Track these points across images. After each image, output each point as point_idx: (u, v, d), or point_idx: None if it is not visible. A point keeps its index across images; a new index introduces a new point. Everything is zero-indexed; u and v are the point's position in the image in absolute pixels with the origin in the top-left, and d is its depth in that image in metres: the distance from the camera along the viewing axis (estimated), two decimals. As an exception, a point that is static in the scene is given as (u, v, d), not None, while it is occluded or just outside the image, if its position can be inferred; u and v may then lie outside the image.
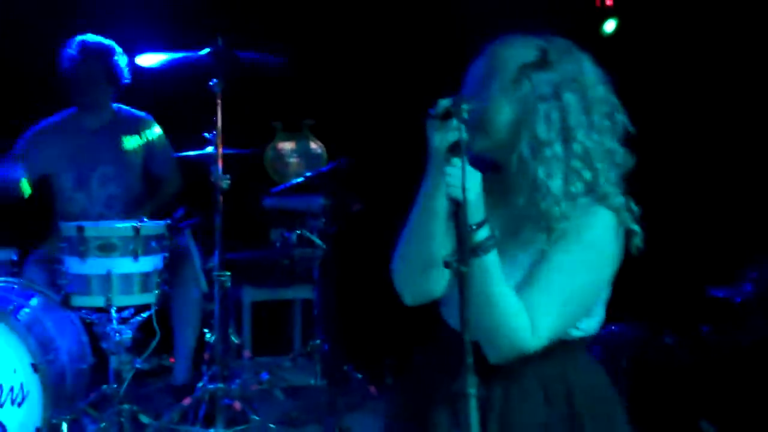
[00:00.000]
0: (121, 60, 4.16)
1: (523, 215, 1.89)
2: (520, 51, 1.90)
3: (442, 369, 1.91)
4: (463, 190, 1.71)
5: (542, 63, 1.88)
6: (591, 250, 1.85)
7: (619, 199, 1.89)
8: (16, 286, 3.62)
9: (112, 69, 4.15)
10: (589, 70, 1.92)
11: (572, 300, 1.84)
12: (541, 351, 1.82)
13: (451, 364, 1.72)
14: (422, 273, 1.93)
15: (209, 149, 3.79)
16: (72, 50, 4.11)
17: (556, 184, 1.83)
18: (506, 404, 1.87)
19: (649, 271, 4.54)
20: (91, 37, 4.13)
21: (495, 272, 1.79)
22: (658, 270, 4.53)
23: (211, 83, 3.72)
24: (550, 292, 1.81)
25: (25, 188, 4.01)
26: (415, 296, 1.98)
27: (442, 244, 1.87)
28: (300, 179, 4.41)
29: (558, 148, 1.84)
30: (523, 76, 1.87)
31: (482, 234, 1.79)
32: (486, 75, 1.91)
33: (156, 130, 4.29)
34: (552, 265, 1.82)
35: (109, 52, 4.13)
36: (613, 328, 3.69)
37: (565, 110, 1.86)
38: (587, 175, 1.86)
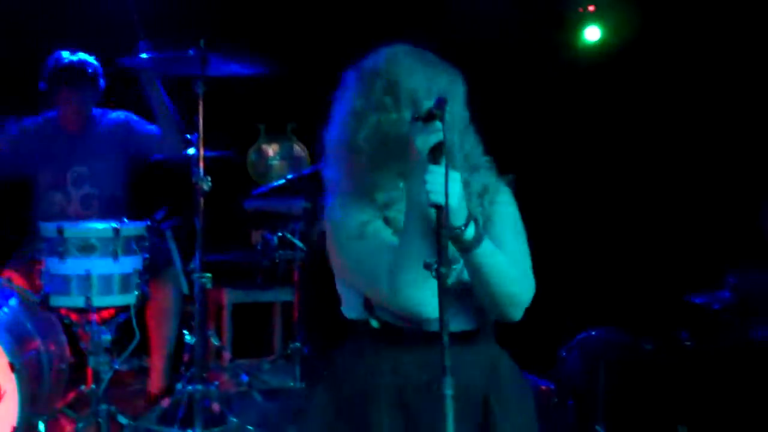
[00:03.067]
0: (99, 72, 4.18)
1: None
2: (450, 66, 2.13)
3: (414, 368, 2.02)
4: (446, 195, 1.73)
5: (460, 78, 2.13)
6: (508, 196, 2.17)
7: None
8: (-6, 286, 3.60)
9: (91, 85, 4.16)
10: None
11: (524, 234, 2.14)
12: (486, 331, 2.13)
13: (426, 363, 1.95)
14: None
15: (191, 151, 3.78)
16: (53, 67, 4.11)
17: (490, 168, 2.15)
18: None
19: (628, 277, 4.61)
20: (67, 55, 4.13)
21: (495, 252, 1.96)
22: (637, 276, 4.58)
23: (193, 85, 3.71)
24: (518, 240, 2.11)
25: None
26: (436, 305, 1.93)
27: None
28: (281, 181, 4.41)
29: (478, 142, 2.15)
30: (460, 90, 2.11)
31: (471, 231, 1.90)
32: (444, 85, 2.04)
33: (134, 125, 4.28)
34: (509, 222, 2.11)
35: (89, 69, 4.14)
36: (592, 333, 3.70)
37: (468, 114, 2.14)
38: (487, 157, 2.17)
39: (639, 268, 4.61)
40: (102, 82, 4.20)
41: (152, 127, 4.24)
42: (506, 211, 2.11)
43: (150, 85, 4.06)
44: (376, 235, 1.99)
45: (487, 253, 1.94)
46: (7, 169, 4.14)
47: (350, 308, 2.14)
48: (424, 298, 1.89)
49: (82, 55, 4.16)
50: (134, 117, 4.31)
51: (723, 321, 3.58)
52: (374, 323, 2.07)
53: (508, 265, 1.99)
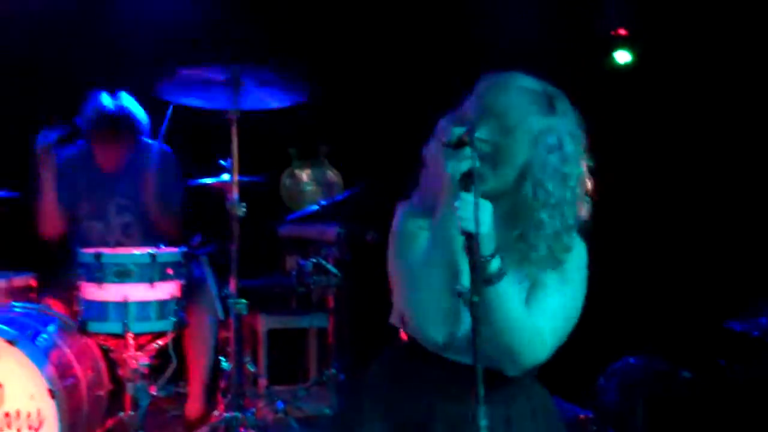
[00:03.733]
0: (139, 115, 4.21)
1: (509, 244, 2.00)
2: (531, 95, 2.00)
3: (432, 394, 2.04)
4: (476, 223, 1.73)
5: (551, 112, 1.99)
6: (578, 276, 2.08)
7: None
8: (34, 312, 3.65)
9: (129, 134, 4.19)
10: (578, 123, 2.05)
11: (570, 318, 2.05)
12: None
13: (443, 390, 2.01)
14: (449, 308, 1.93)
15: (225, 177, 3.81)
16: (93, 112, 4.14)
17: (554, 225, 2.00)
18: (509, 420, 2.06)
19: (666, 305, 4.55)
20: (108, 102, 4.15)
21: (511, 296, 1.92)
22: (675, 303, 4.53)
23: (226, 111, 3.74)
24: (555, 313, 2.00)
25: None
26: (444, 331, 1.97)
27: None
28: (315, 207, 4.43)
29: (559, 194, 1.99)
30: (536, 123, 1.97)
31: (495, 264, 1.87)
32: (501, 114, 1.96)
33: (171, 164, 4.31)
34: (551, 292, 2.01)
35: (128, 121, 4.17)
36: (630, 360, 3.66)
37: (566, 160, 1.99)
38: (574, 218, 2.04)
39: (676, 296, 4.55)
40: (140, 127, 4.22)
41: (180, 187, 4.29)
42: (555, 286, 2.02)
43: None
44: (417, 245, 2.00)
45: (503, 294, 1.89)
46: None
47: (394, 313, 2.15)
48: (429, 319, 1.94)
49: (124, 101, 4.18)
50: (174, 159, 4.33)
51: (762, 347, 3.53)
52: (403, 336, 2.09)
53: (521, 320, 1.93)
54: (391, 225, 2.12)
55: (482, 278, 1.82)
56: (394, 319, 2.14)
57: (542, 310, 1.99)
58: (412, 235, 2.03)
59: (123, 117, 4.16)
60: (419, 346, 2.04)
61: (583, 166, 2.04)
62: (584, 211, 2.06)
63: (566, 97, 2.05)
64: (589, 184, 2.07)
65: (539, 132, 1.95)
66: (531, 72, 2.07)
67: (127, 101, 4.20)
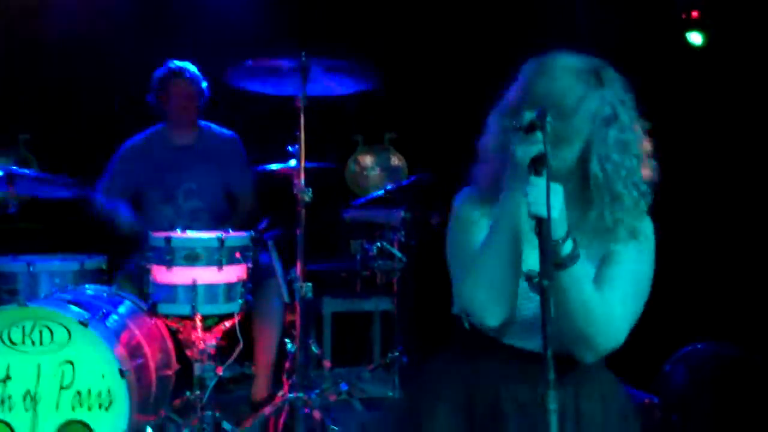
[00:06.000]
0: (203, 81, 4.37)
1: (579, 225, 1.98)
2: (580, 74, 1.99)
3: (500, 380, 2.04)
4: (548, 207, 1.72)
5: (600, 84, 1.99)
6: (649, 251, 2.05)
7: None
8: (105, 294, 3.72)
9: (199, 88, 4.35)
10: (626, 88, 2.04)
11: (643, 295, 2.03)
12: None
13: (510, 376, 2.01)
14: (508, 292, 1.95)
15: (292, 162, 3.84)
16: (162, 73, 4.34)
17: (632, 195, 2.00)
18: (578, 406, 2.05)
19: (736, 290, 4.46)
20: (178, 62, 4.36)
21: (586, 279, 1.91)
22: (745, 288, 4.43)
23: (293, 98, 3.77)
24: (627, 291, 1.98)
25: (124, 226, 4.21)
26: (500, 316, 1.98)
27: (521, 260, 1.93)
28: (380, 192, 4.44)
29: (628, 163, 1.98)
30: (591, 101, 1.97)
31: (568, 247, 1.86)
32: (557, 99, 1.95)
33: (239, 150, 4.39)
34: (625, 266, 1.99)
35: (196, 73, 4.35)
36: (698, 346, 3.61)
37: (624, 128, 1.98)
38: (643, 185, 2.03)
39: (745, 279, 4.46)
40: (206, 87, 4.35)
41: (248, 183, 4.41)
42: (631, 257, 2.01)
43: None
44: (478, 231, 2.01)
45: (577, 277, 1.88)
46: (119, 186, 4.31)
47: (455, 302, 2.15)
48: (486, 303, 1.93)
49: (185, 63, 4.38)
50: (241, 144, 4.45)
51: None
52: (466, 324, 2.09)
53: (595, 304, 1.91)
54: (451, 213, 2.12)
55: (555, 262, 1.81)
56: (456, 310, 2.14)
57: (615, 286, 1.97)
58: (472, 223, 2.04)
59: (191, 73, 4.34)
60: (480, 333, 2.05)
61: (639, 129, 2.03)
62: (652, 173, 2.05)
63: (609, 65, 2.04)
64: (648, 146, 2.06)
65: (596, 109, 1.96)
66: (574, 50, 2.05)
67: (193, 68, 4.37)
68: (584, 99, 1.95)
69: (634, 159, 2.00)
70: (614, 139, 1.96)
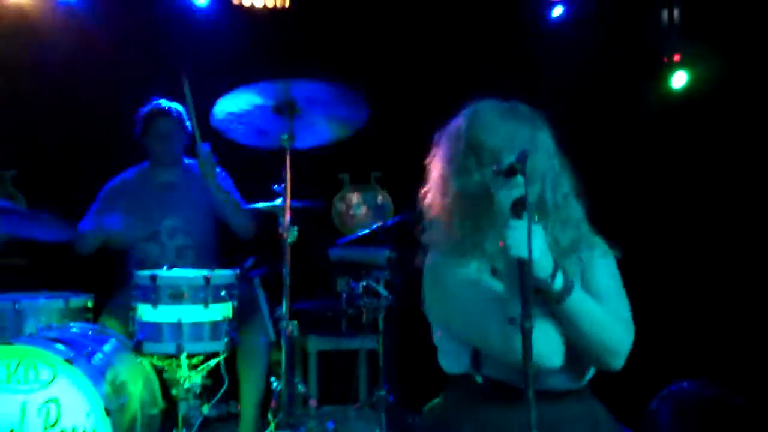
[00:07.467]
0: (187, 120, 4.36)
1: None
2: (527, 116, 2.12)
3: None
4: (529, 249, 1.75)
5: (539, 123, 2.11)
6: (611, 254, 2.18)
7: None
8: (90, 332, 3.72)
9: (183, 126, 4.37)
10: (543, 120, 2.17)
11: (623, 289, 2.15)
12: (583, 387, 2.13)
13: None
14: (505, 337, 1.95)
15: (278, 201, 3.87)
16: (146, 111, 4.37)
17: (578, 209, 2.15)
18: None
19: (719, 330, 4.49)
20: (163, 101, 4.40)
21: (588, 301, 1.97)
22: (728, 328, 4.46)
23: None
24: (620, 292, 2.13)
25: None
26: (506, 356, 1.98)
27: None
28: (366, 231, 4.46)
29: (566, 188, 2.12)
30: (543, 137, 2.09)
31: (559, 281, 1.91)
32: (523, 141, 2.02)
33: (224, 179, 4.40)
34: (606, 270, 2.13)
35: (181, 112, 4.38)
36: (683, 385, 3.63)
37: (558, 154, 2.12)
38: (579, 205, 2.17)
39: (730, 321, 4.49)
40: (189, 130, 4.35)
41: (237, 196, 4.38)
42: (601, 262, 2.13)
43: (209, 177, 4.15)
44: (485, 286, 2.02)
45: (579, 301, 1.95)
46: (103, 226, 4.21)
47: (452, 361, 2.15)
48: (538, 348, 1.89)
49: (169, 102, 4.41)
50: (225, 175, 4.42)
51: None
52: (479, 379, 2.08)
53: (604, 313, 2.00)
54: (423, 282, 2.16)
55: (553, 298, 1.90)
56: (456, 366, 2.14)
57: (611, 294, 2.10)
58: (472, 283, 2.04)
59: (175, 111, 4.37)
60: (498, 383, 2.05)
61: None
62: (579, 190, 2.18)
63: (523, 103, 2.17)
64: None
65: (548, 144, 2.07)
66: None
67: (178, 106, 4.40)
68: (540, 138, 2.06)
69: (570, 181, 2.14)
70: (559, 165, 2.10)
